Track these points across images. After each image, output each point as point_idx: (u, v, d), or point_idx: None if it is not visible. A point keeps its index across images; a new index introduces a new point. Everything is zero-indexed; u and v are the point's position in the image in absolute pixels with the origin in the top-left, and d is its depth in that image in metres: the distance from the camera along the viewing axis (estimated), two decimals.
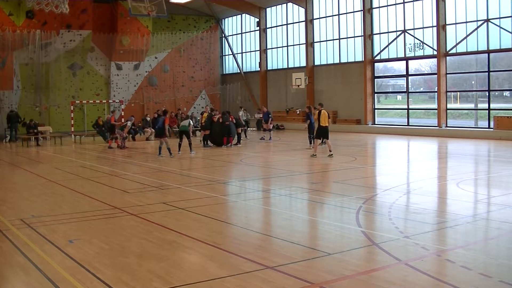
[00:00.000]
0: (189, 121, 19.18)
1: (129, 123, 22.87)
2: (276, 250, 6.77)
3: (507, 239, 7.19)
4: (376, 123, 28.74)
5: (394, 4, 27.18)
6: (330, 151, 16.91)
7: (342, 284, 5.50)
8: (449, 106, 25.50)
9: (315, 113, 17.97)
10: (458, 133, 23.85)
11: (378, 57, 28.31)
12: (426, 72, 27.80)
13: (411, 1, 26.27)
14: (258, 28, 35.55)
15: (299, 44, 33.00)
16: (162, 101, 34.80)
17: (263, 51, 35.36)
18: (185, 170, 15.17)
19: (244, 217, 9.06)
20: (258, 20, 35.45)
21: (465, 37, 24.09)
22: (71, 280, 5.75)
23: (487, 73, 23.91)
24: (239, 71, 37.61)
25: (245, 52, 37.49)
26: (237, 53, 38.06)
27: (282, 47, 34.45)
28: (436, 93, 25.63)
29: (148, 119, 27.72)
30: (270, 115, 24.10)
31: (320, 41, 31.43)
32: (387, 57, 27.97)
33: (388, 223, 8.15)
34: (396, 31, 27.16)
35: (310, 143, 19.58)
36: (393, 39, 27.33)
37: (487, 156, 17.95)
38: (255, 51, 36.39)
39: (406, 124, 27.08)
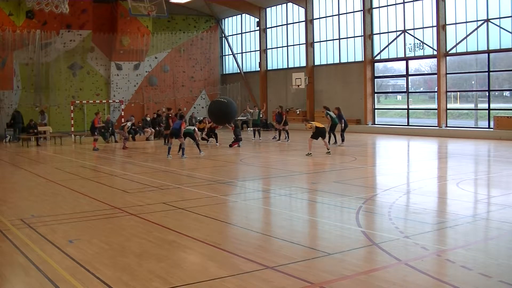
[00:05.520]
0: (194, 128, 19.60)
1: (128, 124, 22.85)
2: (276, 250, 6.77)
3: (507, 239, 7.19)
4: (376, 123, 28.73)
5: (394, 4, 27.17)
6: (328, 149, 17.90)
7: (342, 284, 5.50)
8: (449, 106, 25.49)
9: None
10: (458, 133, 23.84)
11: (378, 57, 28.30)
12: (426, 72, 27.78)
13: (411, 1, 26.27)
14: (258, 28, 35.54)
15: (299, 44, 32.99)
16: (162, 101, 34.80)
17: (263, 51, 35.36)
18: (185, 170, 15.17)
19: (244, 217, 9.06)
20: (258, 20, 35.43)
21: (465, 37, 24.09)
22: (71, 280, 5.75)
23: (487, 73, 23.90)
24: (239, 71, 37.61)
25: (245, 52, 37.48)
26: (237, 53, 38.05)
27: (282, 47, 34.44)
28: (436, 93, 25.63)
29: (148, 119, 27.72)
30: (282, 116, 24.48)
31: (320, 41, 31.42)
32: (387, 57, 27.96)
33: (388, 223, 8.14)
34: (396, 31, 27.16)
35: (342, 140, 20.70)
36: (393, 39, 27.32)
37: (487, 156, 17.95)
38: (255, 51, 36.39)
39: (406, 124, 27.07)
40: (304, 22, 32.04)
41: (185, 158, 17.52)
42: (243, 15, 36.72)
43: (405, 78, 27.35)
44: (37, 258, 6.60)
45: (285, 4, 33.48)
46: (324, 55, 31.32)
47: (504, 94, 25.46)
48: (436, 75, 25.35)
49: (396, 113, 29.54)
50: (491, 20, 23.05)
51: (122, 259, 6.50)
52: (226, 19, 38.54)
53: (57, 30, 30.53)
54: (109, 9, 32.61)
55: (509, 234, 7.44)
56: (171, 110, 25.22)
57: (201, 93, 37.13)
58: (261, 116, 26.10)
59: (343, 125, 20.90)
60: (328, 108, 21.22)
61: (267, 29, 35.22)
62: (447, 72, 25.13)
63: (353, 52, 29.51)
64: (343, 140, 20.67)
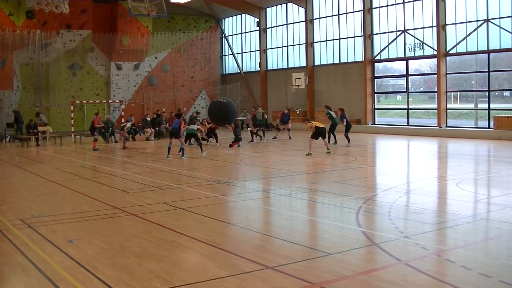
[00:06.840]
0: (197, 127, 19.79)
1: (128, 124, 22.84)
2: (276, 250, 6.77)
3: (507, 239, 7.19)
4: (376, 123, 28.73)
5: (394, 4, 27.16)
6: (328, 149, 17.92)
7: (342, 284, 5.50)
8: (449, 106, 25.49)
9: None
10: (458, 133, 23.84)
11: (378, 57, 28.30)
12: (426, 72, 27.79)
13: (411, 1, 26.26)
14: (258, 28, 35.53)
15: (299, 44, 32.99)
16: (162, 101, 34.80)
17: (263, 51, 35.35)
18: (185, 170, 15.17)
19: (244, 217, 9.06)
20: (258, 20, 35.43)
21: (465, 37, 24.08)
22: (71, 280, 5.75)
23: (487, 73, 23.90)
24: (239, 71, 37.61)
25: (245, 52, 37.48)
26: (237, 53, 38.04)
27: (282, 47, 34.44)
28: (436, 93, 25.63)
29: (148, 119, 27.73)
30: (289, 117, 25.20)
31: (320, 41, 31.42)
32: (387, 57, 27.95)
33: (388, 223, 8.15)
34: (396, 31, 27.15)
35: (348, 141, 20.48)
36: (393, 39, 27.32)
37: (487, 156, 17.95)
38: (255, 51, 36.38)
39: (406, 124, 27.06)
40: (304, 22, 32.03)
41: (185, 158, 17.52)
42: (243, 15, 36.72)
43: (405, 78, 27.35)
44: (37, 258, 6.60)
45: (285, 4, 33.48)
46: (324, 55, 31.32)
47: (504, 94, 25.47)
48: (436, 75, 25.34)
49: (396, 113, 29.55)
50: (491, 20, 23.04)
51: (122, 259, 6.50)
52: (226, 19, 38.53)
53: (57, 30, 30.52)
54: (109, 9, 32.60)
55: (509, 234, 7.44)
56: (199, 113, 26.87)
57: (201, 93, 37.12)
58: (264, 116, 26.17)
59: (344, 125, 20.71)
60: (330, 108, 21.09)
61: (267, 29, 35.21)
62: (447, 72, 25.12)
63: (353, 52, 29.50)
64: (348, 140, 20.34)
